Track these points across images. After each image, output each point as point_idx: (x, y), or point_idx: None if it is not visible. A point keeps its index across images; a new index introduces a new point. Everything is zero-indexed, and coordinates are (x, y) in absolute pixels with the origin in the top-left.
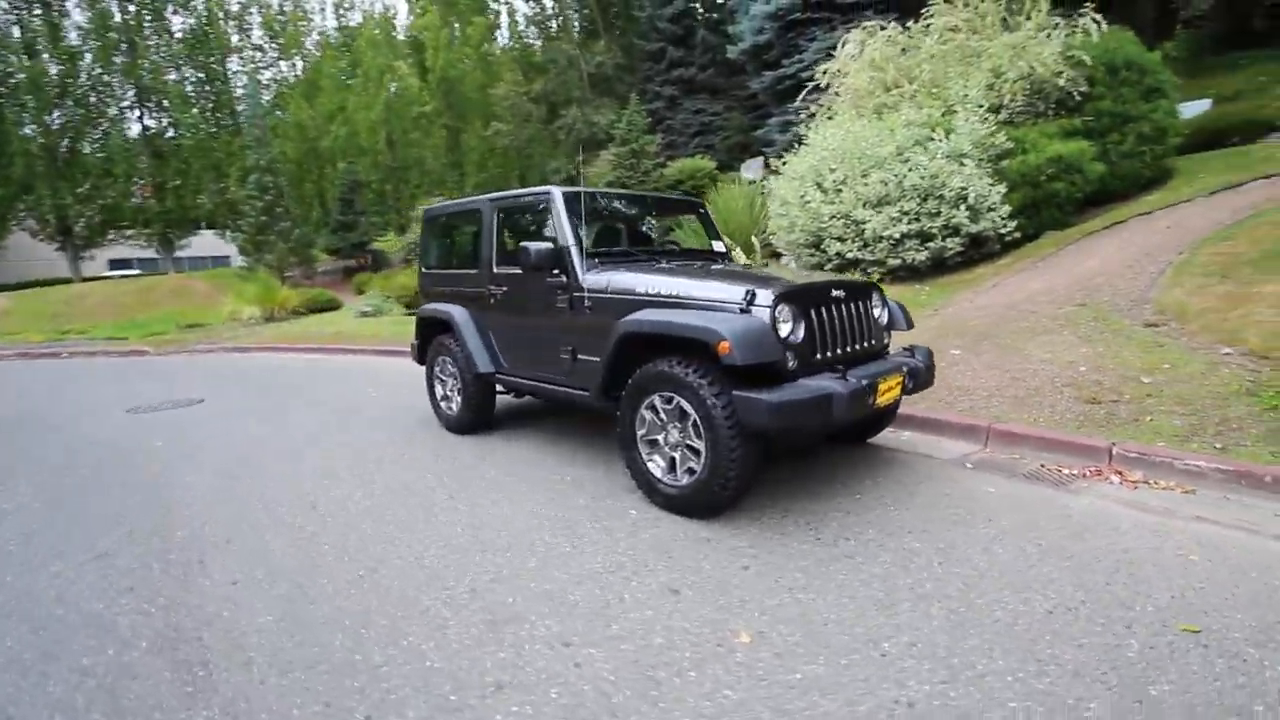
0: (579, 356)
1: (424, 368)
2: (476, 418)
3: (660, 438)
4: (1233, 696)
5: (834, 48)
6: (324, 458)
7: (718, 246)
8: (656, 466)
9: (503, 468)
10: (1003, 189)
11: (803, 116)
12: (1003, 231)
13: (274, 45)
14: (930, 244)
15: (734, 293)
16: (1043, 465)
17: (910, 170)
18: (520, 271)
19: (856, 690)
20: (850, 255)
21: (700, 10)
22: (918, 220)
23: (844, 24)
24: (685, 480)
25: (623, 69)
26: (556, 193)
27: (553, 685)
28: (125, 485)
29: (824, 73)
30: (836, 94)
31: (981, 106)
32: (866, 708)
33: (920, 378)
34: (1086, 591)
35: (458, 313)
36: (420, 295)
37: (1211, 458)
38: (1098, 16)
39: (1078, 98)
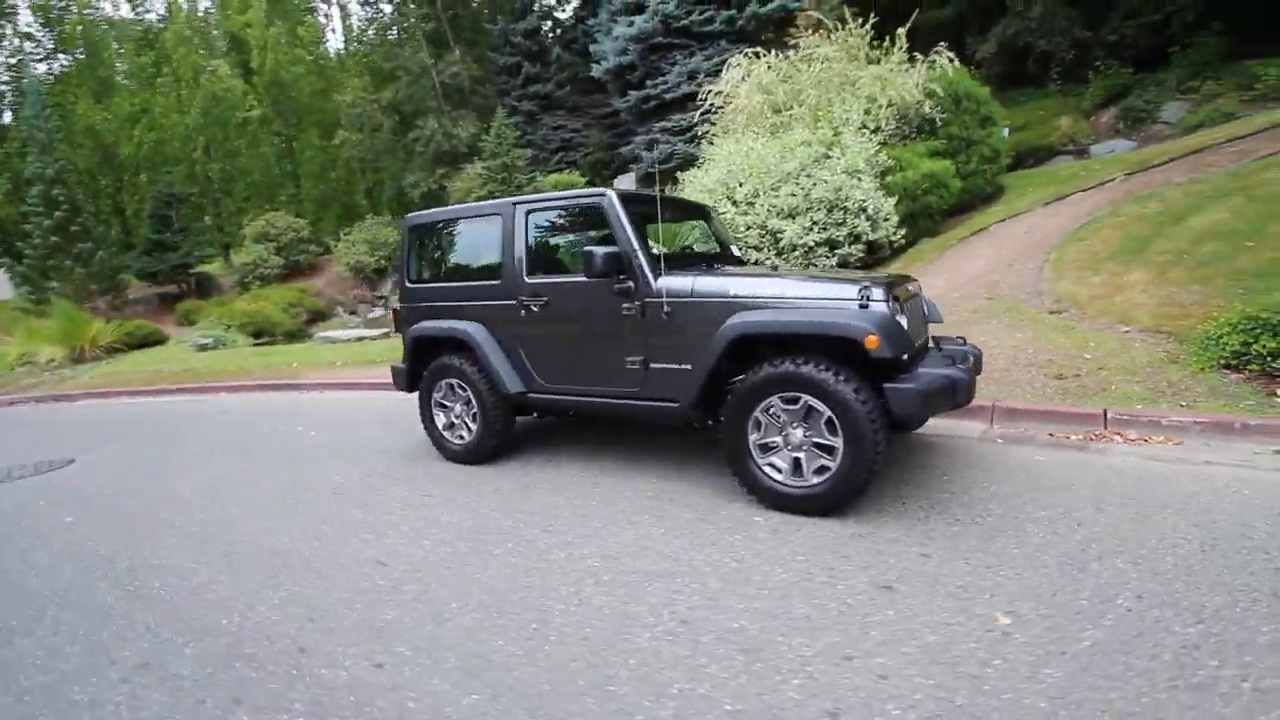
0: (652, 365)
1: (410, 394)
2: (500, 444)
3: (778, 440)
4: None
5: (695, 72)
6: (362, 509)
7: (735, 251)
8: (776, 470)
9: (570, 493)
10: (893, 201)
11: (677, 136)
12: (893, 239)
13: (49, 34)
14: (838, 251)
15: (845, 290)
16: (1051, 434)
17: (815, 184)
18: (564, 280)
19: (1149, 642)
20: (768, 263)
21: (551, 29)
22: (825, 230)
23: (700, 50)
24: (816, 480)
25: (479, 81)
26: (613, 195)
27: (886, 701)
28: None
29: (717, 94)
30: (721, 112)
31: (864, 129)
32: (1170, 653)
33: (980, 365)
34: (1204, 530)
35: (475, 329)
36: (401, 314)
37: (1188, 413)
38: (951, 55)
39: (938, 123)
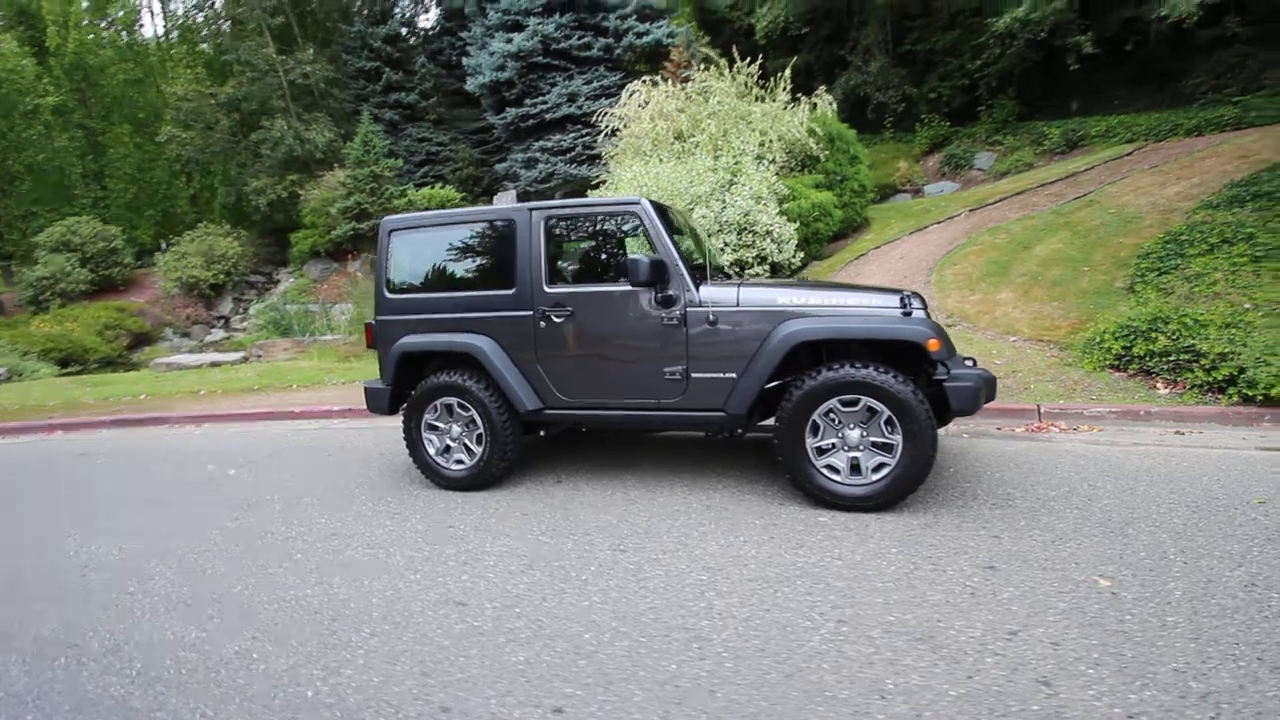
0: (694, 375)
1: (388, 417)
2: (509, 466)
3: (835, 442)
4: None
5: (575, 95)
6: (382, 550)
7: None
8: (835, 471)
9: (616, 511)
10: (793, 226)
11: (558, 156)
12: (792, 261)
13: None
14: (747, 271)
15: (888, 299)
16: (999, 428)
17: (726, 208)
18: (593, 289)
19: (1219, 587)
20: None
21: (414, 37)
22: (736, 251)
23: (580, 74)
24: (875, 477)
25: (333, 83)
26: (647, 203)
27: (1077, 664)
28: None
29: (618, 118)
30: (619, 135)
31: (759, 160)
32: (1242, 590)
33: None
34: (1180, 495)
35: (485, 343)
36: (377, 328)
37: (1102, 405)
38: (829, 98)
39: (820, 158)
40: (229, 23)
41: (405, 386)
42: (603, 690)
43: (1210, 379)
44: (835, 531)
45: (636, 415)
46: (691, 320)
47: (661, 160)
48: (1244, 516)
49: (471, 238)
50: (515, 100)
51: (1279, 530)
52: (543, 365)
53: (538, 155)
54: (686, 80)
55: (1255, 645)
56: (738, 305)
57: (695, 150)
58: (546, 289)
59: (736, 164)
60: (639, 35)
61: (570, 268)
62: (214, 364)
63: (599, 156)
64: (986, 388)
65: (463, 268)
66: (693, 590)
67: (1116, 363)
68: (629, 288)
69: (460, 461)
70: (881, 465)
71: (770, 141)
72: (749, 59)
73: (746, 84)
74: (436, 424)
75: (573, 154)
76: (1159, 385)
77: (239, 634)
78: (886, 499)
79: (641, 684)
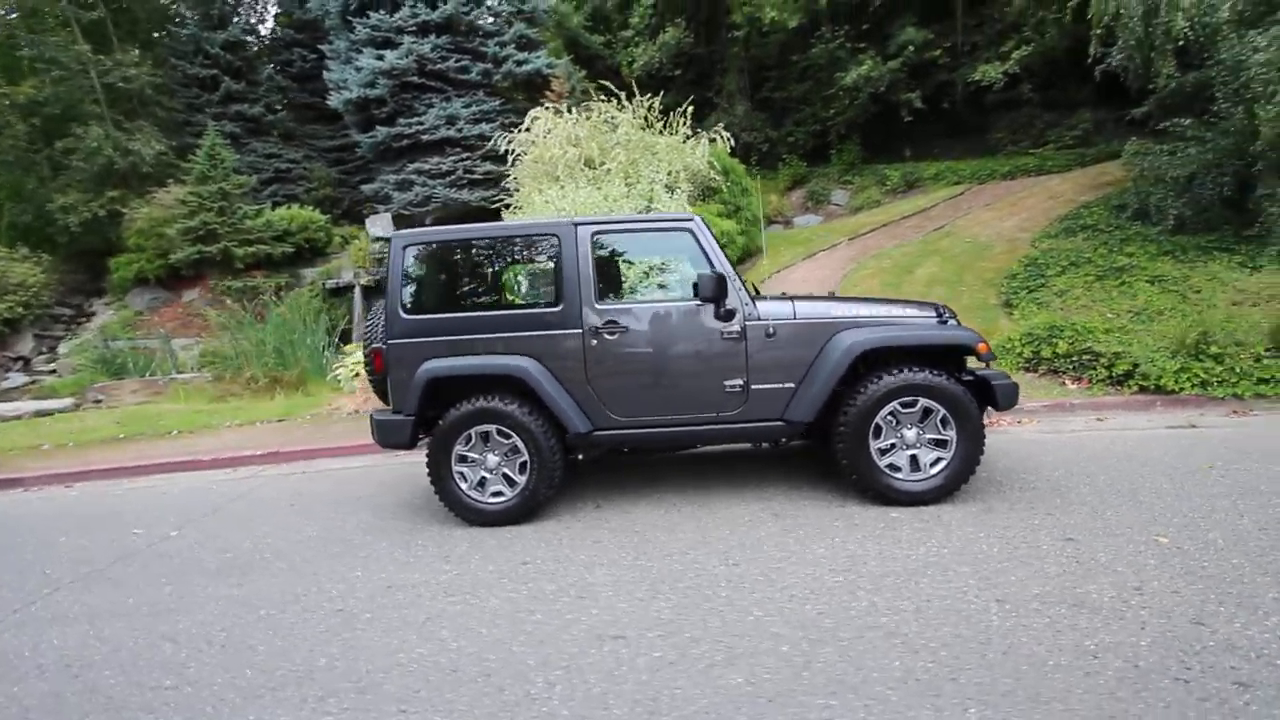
0: (754, 387)
1: (401, 450)
2: (551, 494)
3: (894, 442)
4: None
5: (454, 117)
6: (463, 599)
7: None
8: (896, 469)
9: (688, 527)
10: None
11: (436, 179)
12: None
13: None
14: None
15: (926, 311)
16: None
17: None
18: (649, 305)
19: (1249, 537)
20: None
21: (258, 47)
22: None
23: (458, 96)
24: (934, 471)
25: (160, 90)
26: (700, 220)
27: (1206, 605)
28: None
29: (521, 142)
30: (520, 160)
31: (669, 189)
32: (1268, 536)
33: None
34: (1153, 468)
35: (531, 364)
36: (389, 353)
37: (1034, 401)
38: (727, 134)
39: (721, 190)
40: (15, 13)
41: (433, 415)
42: (853, 694)
43: (1110, 374)
44: (916, 525)
45: (695, 430)
46: (751, 333)
47: (577, 185)
48: (1210, 479)
49: (506, 253)
50: (387, 119)
51: (1246, 485)
52: (594, 385)
53: (413, 177)
54: (572, 109)
55: None
56: (795, 317)
57: (608, 177)
58: (597, 305)
59: (650, 192)
60: (519, 64)
61: (620, 284)
62: (39, 413)
63: (484, 181)
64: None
65: (498, 285)
66: (842, 591)
67: (1028, 365)
68: (690, 302)
69: (499, 494)
70: (938, 460)
71: (677, 172)
72: (626, 94)
73: (648, 118)
74: (469, 455)
75: (453, 178)
76: (1067, 382)
77: (384, 713)
78: (944, 492)
79: (884, 683)
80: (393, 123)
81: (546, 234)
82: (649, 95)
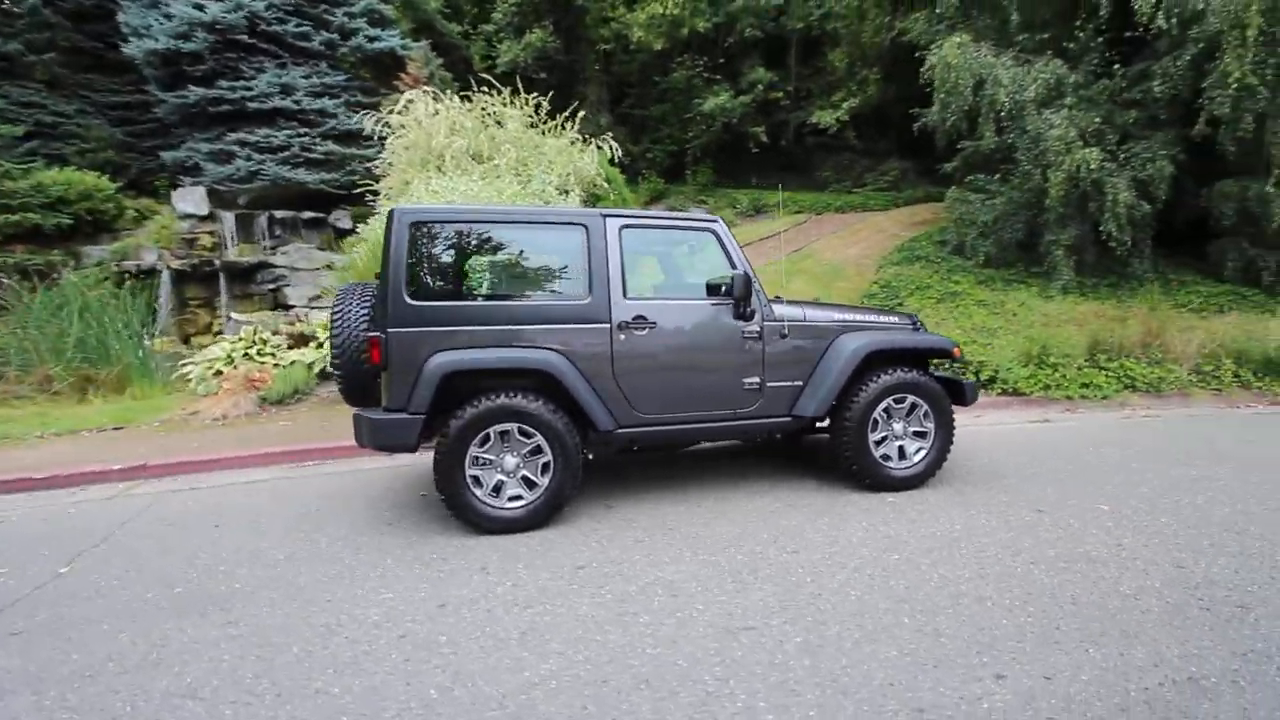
0: (768, 385)
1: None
2: (573, 495)
3: (886, 434)
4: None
5: (292, 87)
6: (638, 605)
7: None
8: (887, 459)
9: (728, 522)
10: None
11: (266, 153)
12: None
13: None
14: None
15: (901, 318)
16: None
17: None
18: (677, 302)
19: (1222, 503)
20: None
21: None
22: None
23: (296, 65)
24: (917, 459)
25: None
26: (722, 223)
27: (1242, 554)
28: None
29: (394, 126)
30: (389, 144)
31: (564, 192)
32: (1237, 499)
33: None
34: (1118, 450)
35: (557, 359)
36: (391, 343)
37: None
38: (615, 143)
39: (609, 197)
40: None
41: (444, 414)
42: (996, 650)
43: (978, 379)
44: (916, 507)
45: (713, 427)
46: (768, 333)
47: (470, 178)
48: (1095, 460)
49: (532, 240)
50: (203, 79)
51: (1120, 463)
52: (620, 380)
53: (234, 149)
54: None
55: (1223, 521)
56: (805, 320)
57: (498, 173)
58: (626, 300)
59: (544, 192)
60: (370, 39)
61: (647, 280)
62: None
63: (326, 163)
64: None
65: (521, 273)
66: (906, 566)
67: None
68: (717, 301)
69: (517, 498)
70: (919, 450)
71: (567, 175)
72: (512, 91)
73: (533, 118)
74: (486, 457)
75: (287, 154)
76: None
77: None
78: (924, 478)
79: (1010, 638)
80: (211, 84)
81: (574, 223)
82: (534, 94)
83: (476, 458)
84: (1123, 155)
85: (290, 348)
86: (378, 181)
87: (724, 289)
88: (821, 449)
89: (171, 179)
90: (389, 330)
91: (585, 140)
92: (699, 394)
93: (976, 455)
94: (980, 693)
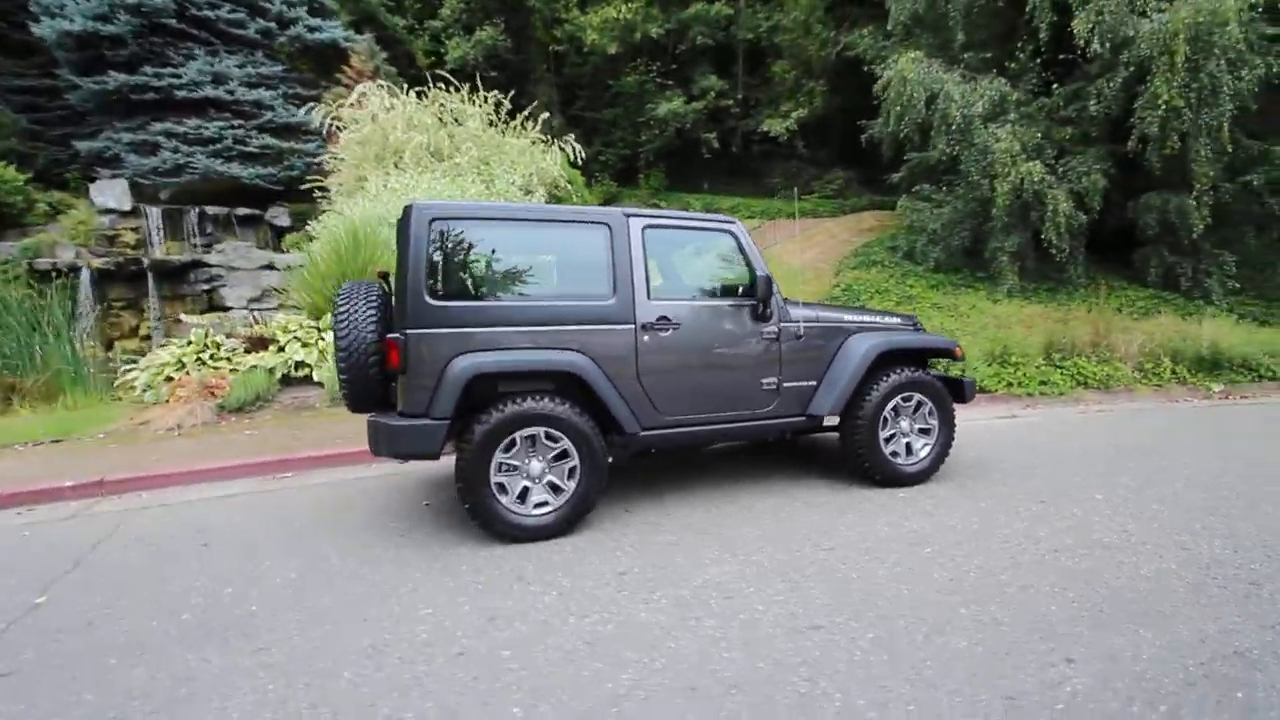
0: (784, 385)
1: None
2: (599, 500)
3: (894, 432)
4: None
5: (225, 77)
6: (698, 609)
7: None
8: (896, 456)
9: (760, 519)
10: None
11: (196, 146)
12: None
13: None
14: None
15: (903, 320)
16: None
17: None
18: (701, 303)
19: (1212, 480)
20: None
21: None
22: None
23: (230, 54)
24: (924, 454)
25: None
26: (740, 224)
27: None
28: None
29: (346, 120)
30: (339, 139)
31: (527, 193)
32: (1214, 476)
33: None
34: (1047, 442)
35: (584, 360)
36: (410, 344)
37: None
38: (577, 145)
39: (570, 197)
40: None
41: (467, 418)
42: (1056, 632)
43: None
44: (928, 501)
45: (733, 427)
46: (785, 334)
47: (434, 175)
48: (1072, 451)
49: (554, 239)
50: (126, 64)
51: (1096, 453)
52: (644, 382)
53: (160, 139)
54: (407, 92)
55: (1204, 506)
56: (818, 321)
57: (458, 170)
58: (650, 301)
59: (507, 191)
60: (311, 29)
61: (668, 281)
62: None
63: (262, 156)
64: None
65: (545, 273)
66: (942, 559)
67: None
68: (736, 302)
69: (543, 504)
70: (925, 445)
71: (530, 175)
72: (470, 88)
73: (493, 117)
74: (512, 463)
75: (219, 147)
76: None
77: None
78: (929, 473)
79: (1065, 621)
80: (134, 70)
81: (597, 222)
82: (494, 93)
83: (501, 464)
84: (1061, 169)
85: (248, 351)
86: (326, 176)
87: (743, 290)
88: (818, 447)
89: (85, 170)
90: (408, 331)
91: (547, 141)
92: (720, 395)
93: (961, 450)
94: (1058, 678)
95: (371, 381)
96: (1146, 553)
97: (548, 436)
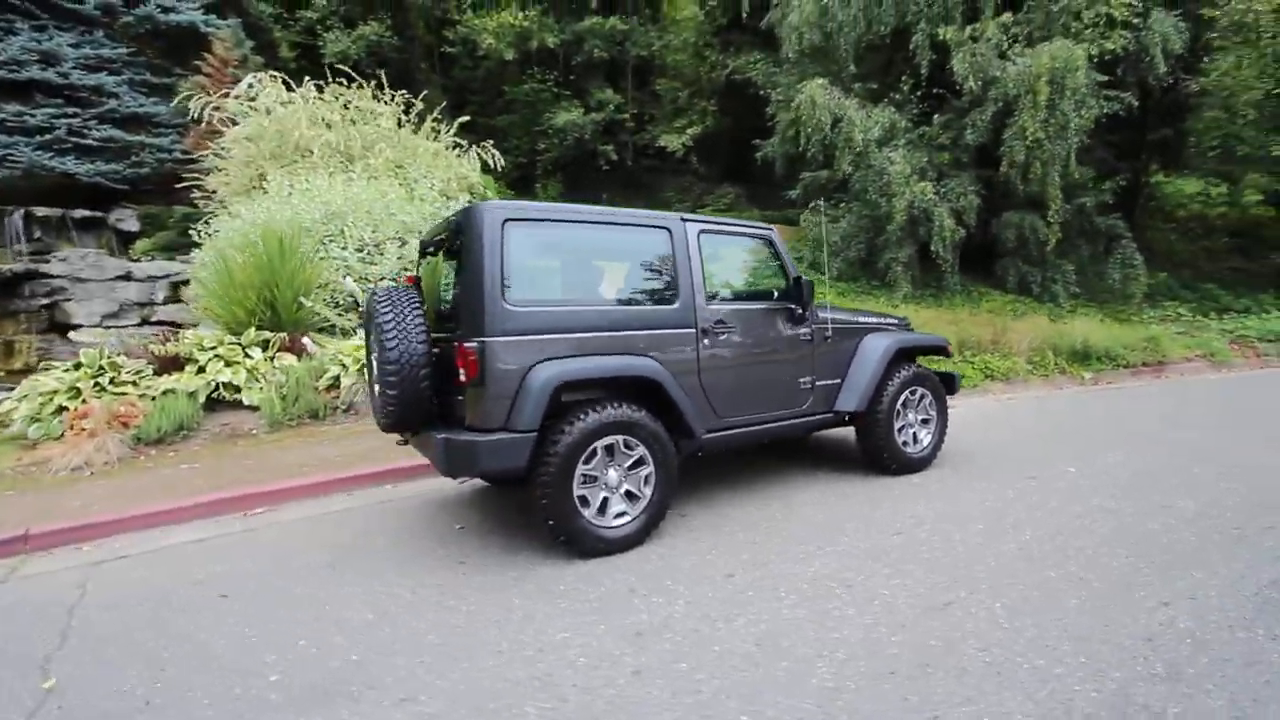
0: (817, 384)
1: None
2: (669, 505)
3: (903, 423)
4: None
5: (56, 57)
6: (817, 604)
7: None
8: (906, 444)
9: (811, 516)
10: None
11: (20, 135)
12: None
13: None
14: None
15: (898, 319)
16: None
17: None
18: (749, 306)
19: (1215, 455)
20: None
21: None
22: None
23: (61, 29)
24: (927, 443)
25: None
26: (776, 231)
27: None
28: None
29: (239, 111)
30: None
31: (449, 199)
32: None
33: None
34: (1022, 421)
35: (657, 366)
36: (489, 352)
37: None
38: (495, 151)
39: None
40: None
41: (548, 429)
42: (1152, 584)
43: None
44: (940, 485)
45: (778, 427)
46: (816, 335)
47: (351, 178)
48: (1027, 433)
49: (621, 242)
50: None
51: (1060, 432)
52: (705, 385)
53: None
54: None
55: (1154, 472)
56: (841, 322)
57: (377, 173)
58: (708, 305)
59: (430, 196)
60: (164, 10)
61: (722, 284)
62: None
63: (104, 150)
64: None
65: (616, 278)
66: (992, 536)
67: None
68: (779, 305)
69: (622, 514)
70: (927, 434)
71: (449, 180)
72: (339, 80)
73: (400, 117)
74: (593, 474)
75: (49, 137)
76: None
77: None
78: (931, 459)
79: (1112, 585)
80: None
81: (658, 226)
82: (402, 91)
83: (584, 476)
84: (942, 189)
85: (159, 373)
86: (208, 175)
87: (779, 294)
88: (813, 442)
89: None
90: (486, 339)
91: (464, 146)
92: (768, 395)
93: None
94: (1166, 619)
95: (423, 396)
96: (1144, 512)
97: (626, 445)
